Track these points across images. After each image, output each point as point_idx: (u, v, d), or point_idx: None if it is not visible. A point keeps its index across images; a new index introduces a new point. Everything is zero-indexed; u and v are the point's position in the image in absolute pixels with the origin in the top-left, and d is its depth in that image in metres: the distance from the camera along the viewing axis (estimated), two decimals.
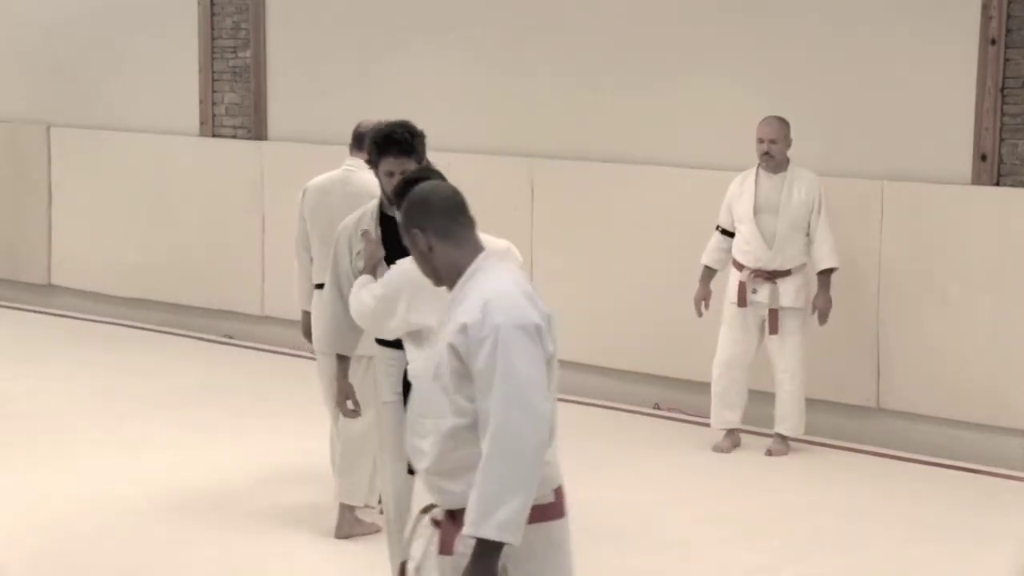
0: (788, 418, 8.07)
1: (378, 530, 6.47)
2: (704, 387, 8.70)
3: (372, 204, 5.44)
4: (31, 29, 12.18)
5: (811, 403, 8.19)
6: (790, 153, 8.00)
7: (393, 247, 5.16)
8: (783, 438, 8.10)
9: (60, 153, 11.70)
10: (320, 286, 6.41)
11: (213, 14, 11.03)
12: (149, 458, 7.84)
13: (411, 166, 5.24)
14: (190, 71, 11.17)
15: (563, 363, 8.66)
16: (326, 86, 10.50)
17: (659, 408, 9.01)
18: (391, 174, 5.26)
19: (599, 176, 9.13)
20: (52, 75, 11.76)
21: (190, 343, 10.80)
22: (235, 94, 11.02)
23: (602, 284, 9.11)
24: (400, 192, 4.68)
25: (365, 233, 5.33)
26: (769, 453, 8.06)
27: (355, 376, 5.92)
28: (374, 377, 5.80)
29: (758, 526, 6.90)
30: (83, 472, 7.58)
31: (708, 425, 8.54)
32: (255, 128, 10.85)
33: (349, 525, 6.58)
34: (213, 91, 11.12)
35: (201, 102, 11.16)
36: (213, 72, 11.10)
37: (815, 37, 8.44)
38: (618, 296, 9.07)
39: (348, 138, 10.44)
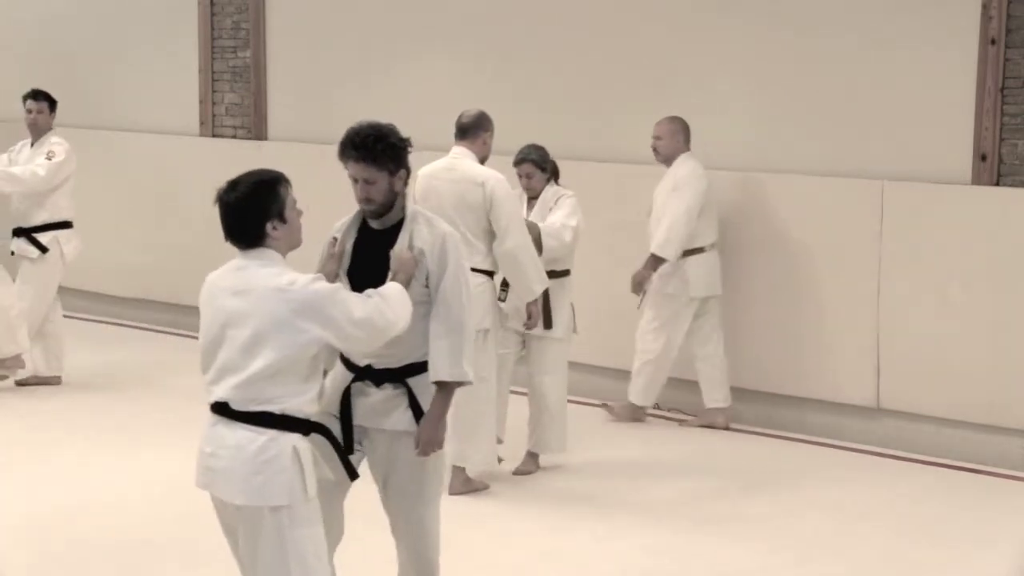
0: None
1: (486, 487, 7.27)
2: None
3: (356, 211, 5.07)
4: (31, 28, 12.19)
5: (811, 403, 8.19)
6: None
7: (368, 258, 4.94)
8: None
9: None
10: None
11: (213, 14, 11.04)
12: (150, 457, 7.84)
13: (375, 175, 4.85)
14: (190, 71, 11.18)
15: None
16: (326, 86, 10.50)
17: (659, 408, 9.01)
18: (355, 180, 4.92)
19: (597, 176, 9.13)
20: (51, 75, 11.74)
21: (190, 343, 10.79)
22: (235, 94, 11.02)
23: (602, 284, 9.10)
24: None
25: (331, 241, 5.04)
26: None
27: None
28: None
29: (758, 527, 6.90)
30: (84, 472, 7.58)
31: (707, 426, 8.60)
32: (255, 128, 10.85)
33: (462, 484, 7.22)
34: (213, 91, 11.12)
35: (201, 102, 11.16)
36: (213, 72, 11.10)
37: (815, 37, 8.44)
38: (618, 296, 9.07)
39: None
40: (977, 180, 7.93)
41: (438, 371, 4.87)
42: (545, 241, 7.42)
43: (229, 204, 4.46)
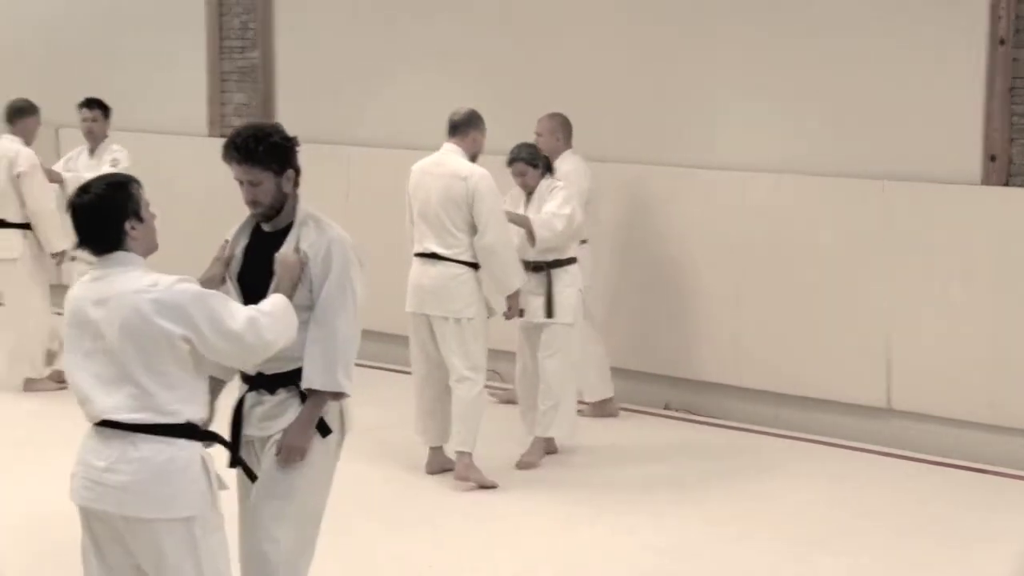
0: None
1: (494, 485, 7.29)
2: (714, 387, 8.73)
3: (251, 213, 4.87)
4: (38, 29, 12.20)
5: (821, 403, 8.17)
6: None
7: (258, 261, 4.75)
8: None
9: None
10: (419, 255, 7.35)
11: (221, 14, 11.04)
12: None
13: (259, 176, 4.68)
14: (198, 71, 11.18)
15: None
16: (334, 86, 10.50)
17: (669, 408, 9.01)
18: (240, 183, 4.71)
19: (608, 176, 9.12)
20: (60, 76, 11.76)
21: None
22: (243, 94, 11.02)
23: (614, 284, 9.09)
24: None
25: (223, 245, 4.84)
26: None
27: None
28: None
29: (763, 526, 6.89)
30: None
31: (718, 425, 8.60)
32: None
33: (466, 469, 7.32)
34: (221, 91, 11.13)
35: (209, 102, 11.17)
36: (221, 72, 11.11)
37: (823, 38, 8.42)
38: (630, 295, 9.07)
39: (356, 139, 10.45)
40: (987, 180, 7.91)
41: (309, 379, 4.65)
42: (538, 232, 7.58)
43: (84, 207, 4.26)
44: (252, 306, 4.41)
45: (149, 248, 4.35)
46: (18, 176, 9.10)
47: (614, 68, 9.17)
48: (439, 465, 7.57)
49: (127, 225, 4.25)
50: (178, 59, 11.31)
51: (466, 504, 7.15)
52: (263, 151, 4.69)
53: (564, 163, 8.35)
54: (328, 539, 4.96)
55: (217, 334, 4.22)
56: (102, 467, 4.20)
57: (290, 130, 11.54)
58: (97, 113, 9.40)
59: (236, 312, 4.30)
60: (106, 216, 4.24)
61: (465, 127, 7.41)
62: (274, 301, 4.48)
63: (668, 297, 8.94)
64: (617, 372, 9.16)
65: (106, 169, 9.12)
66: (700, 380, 8.88)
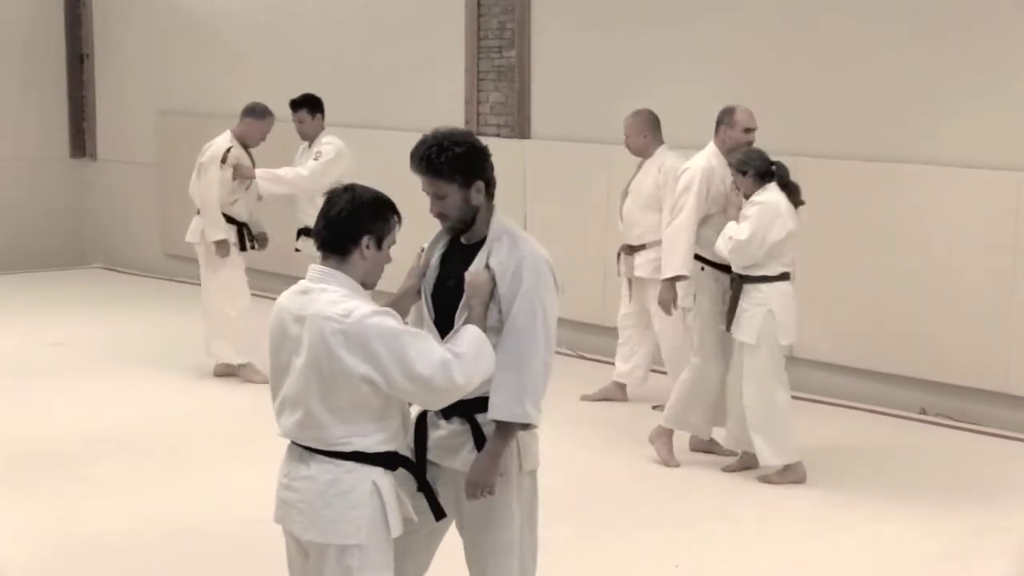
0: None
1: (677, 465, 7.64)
2: (977, 393, 8.49)
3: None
4: (303, 32, 12.63)
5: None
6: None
7: (452, 274, 4.41)
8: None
9: None
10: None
11: (480, 15, 11.23)
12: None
13: (443, 188, 4.31)
14: (456, 71, 11.39)
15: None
16: (589, 85, 10.56)
17: (924, 413, 8.79)
18: (428, 193, 4.38)
19: (868, 174, 8.95)
20: (324, 76, 12.10)
21: None
22: (499, 93, 11.18)
23: (871, 284, 8.92)
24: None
25: (418, 254, 4.55)
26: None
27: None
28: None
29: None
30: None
31: (979, 432, 8.35)
32: (518, 127, 10.99)
33: (657, 437, 7.71)
34: (478, 90, 11.31)
35: (467, 101, 11.36)
36: (478, 72, 11.30)
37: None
38: (886, 296, 8.89)
39: (611, 136, 10.47)
40: None
41: (495, 408, 4.25)
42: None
43: (338, 201, 4.10)
44: (447, 346, 4.12)
45: (368, 280, 4.14)
46: (199, 166, 9.41)
47: (875, 67, 9.01)
48: (703, 447, 7.87)
49: (365, 240, 4.07)
50: (436, 58, 11.54)
51: (715, 502, 7.12)
52: (445, 162, 4.29)
53: (662, 159, 8.34)
54: (572, 536, 4.98)
55: (404, 376, 3.97)
56: (284, 484, 4.15)
57: (545, 129, 11.74)
58: (301, 114, 9.54)
59: (429, 353, 4.02)
60: (351, 219, 4.06)
61: (717, 124, 7.68)
62: (469, 340, 4.15)
63: (927, 298, 8.73)
64: (870, 375, 9.01)
65: (310, 162, 9.36)
66: (961, 385, 8.63)
